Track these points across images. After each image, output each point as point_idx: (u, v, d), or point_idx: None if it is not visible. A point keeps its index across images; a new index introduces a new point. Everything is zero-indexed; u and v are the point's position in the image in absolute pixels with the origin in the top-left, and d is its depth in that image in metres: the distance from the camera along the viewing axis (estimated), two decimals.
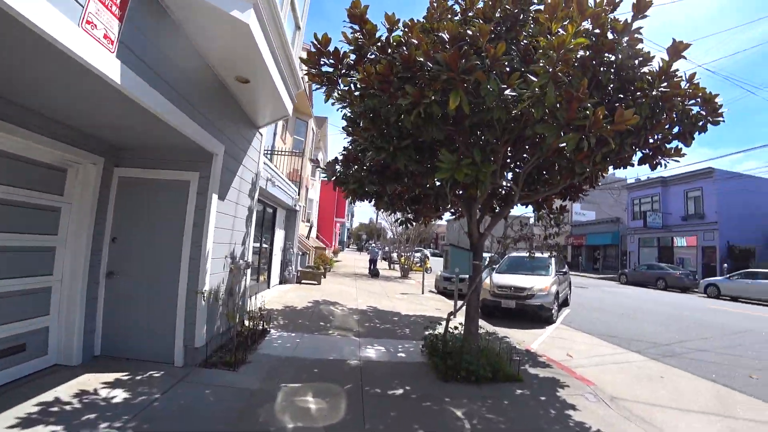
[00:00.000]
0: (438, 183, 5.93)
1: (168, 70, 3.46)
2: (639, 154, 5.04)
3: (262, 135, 6.80)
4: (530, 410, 4.18)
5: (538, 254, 8.33)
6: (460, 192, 5.95)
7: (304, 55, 4.76)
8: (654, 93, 4.09)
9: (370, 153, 5.21)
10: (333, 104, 5.32)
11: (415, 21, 4.41)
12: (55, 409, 3.28)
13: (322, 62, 4.71)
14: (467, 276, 5.92)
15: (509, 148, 5.33)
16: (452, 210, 7.72)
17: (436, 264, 27.18)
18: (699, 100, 4.42)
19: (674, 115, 4.40)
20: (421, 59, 3.70)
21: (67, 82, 2.84)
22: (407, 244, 23.89)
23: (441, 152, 3.98)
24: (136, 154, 4.78)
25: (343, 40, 4.65)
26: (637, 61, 4.15)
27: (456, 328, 5.76)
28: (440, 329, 5.93)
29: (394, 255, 26.42)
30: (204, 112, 4.36)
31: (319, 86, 4.97)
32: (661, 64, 4.06)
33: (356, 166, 5.88)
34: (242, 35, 3.55)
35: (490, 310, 9.85)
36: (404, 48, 4.17)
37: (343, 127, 6.01)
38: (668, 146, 4.85)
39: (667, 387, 5.39)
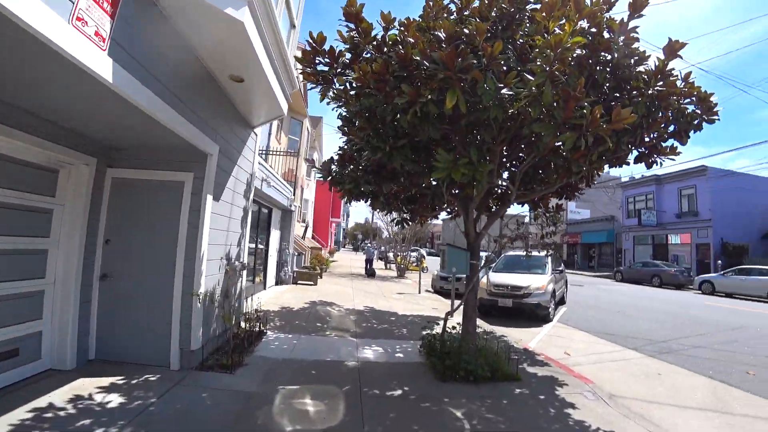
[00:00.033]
0: (434, 182, 5.91)
1: (161, 68, 3.41)
2: (635, 153, 5.04)
3: (257, 135, 6.75)
4: (529, 409, 4.17)
5: (534, 253, 8.35)
6: (457, 191, 5.93)
7: (299, 54, 4.72)
8: (650, 92, 4.09)
9: (366, 153, 5.19)
10: (328, 104, 5.28)
11: (411, 20, 4.38)
12: (49, 415, 3.23)
13: (317, 61, 4.67)
14: (464, 275, 5.90)
15: (505, 148, 5.32)
16: (448, 209, 7.71)
17: (433, 263, 27.19)
18: (694, 98, 4.42)
19: (670, 114, 4.40)
20: (418, 58, 3.68)
21: (57, 80, 2.79)
22: (403, 243, 23.87)
23: (438, 152, 3.96)
24: (129, 154, 4.72)
25: (339, 38, 4.62)
26: (633, 60, 4.15)
27: (454, 327, 5.75)
28: (438, 329, 5.92)
29: (390, 255, 26.39)
30: (198, 111, 4.31)
31: (314, 85, 4.94)
32: (657, 63, 4.07)
33: (352, 166, 5.85)
34: (236, 33, 3.51)
35: (487, 309, 9.85)
36: (400, 47, 4.14)
37: (338, 127, 5.96)
38: (664, 145, 4.85)
39: (664, 384, 5.41)
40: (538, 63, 3.39)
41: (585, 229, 36.79)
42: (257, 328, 6.15)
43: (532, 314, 9.51)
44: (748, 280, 17.08)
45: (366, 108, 4.42)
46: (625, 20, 3.92)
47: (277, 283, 12.88)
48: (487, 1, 4.37)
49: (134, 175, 4.70)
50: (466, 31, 3.68)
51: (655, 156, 4.97)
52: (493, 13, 4.39)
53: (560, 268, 12.60)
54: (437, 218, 9.71)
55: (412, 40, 3.85)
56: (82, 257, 4.31)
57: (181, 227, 4.61)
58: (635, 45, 4.08)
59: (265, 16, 4.05)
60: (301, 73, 4.97)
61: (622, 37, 3.99)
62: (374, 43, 4.51)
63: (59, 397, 3.55)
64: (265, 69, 4.34)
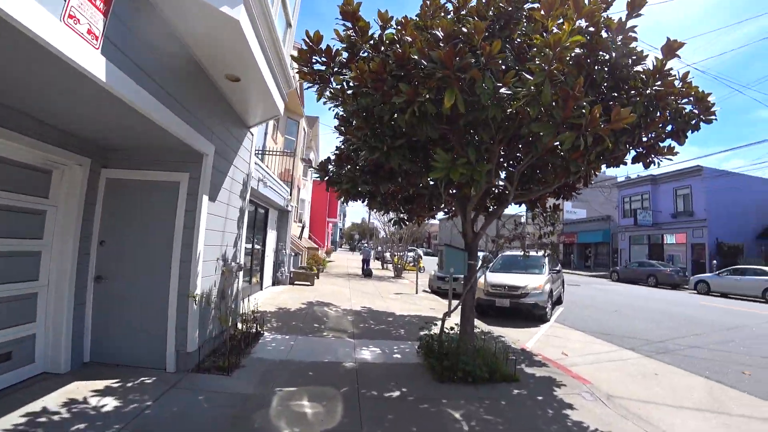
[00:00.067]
0: (432, 182, 5.89)
1: (155, 67, 3.36)
2: (632, 153, 5.05)
3: (253, 135, 6.71)
4: (528, 410, 4.15)
5: (532, 253, 8.34)
6: (454, 191, 5.91)
7: (296, 53, 4.69)
8: (648, 92, 4.09)
9: (363, 152, 5.16)
10: (324, 103, 5.25)
11: (408, 19, 4.35)
12: (43, 419, 3.18)
13: (313, 60, 4.64)
14: (461, 275, 5.88)
15: (503, 148, 5.31)
16: (445, 209, 7.69)
17: (429, 263, 27.18)
18: (692, 98, 4.44)
19: (668, 114, 4.40)
20: (416, 57, 3.65)
21: (49, 79, 2.74)
22: (400, 243, 23.86)
23: (436, 152, 3.94)
24: (123, 154, 4.66)
25: (335, 37, 4.58)
26: (630, 60, 4.14)
27: (452, 328, 5.73)
28: (435, 329, 5.90)
29: (387, 255, 26.37)
30: (193, 110, 4.26)
31: (310, 85, 4.91)
32: (655, 63, 4.06)
33: (349, 166, 5.82)
34: (232, 32, 3.47)
35: (484, 309, 9.85)
36: (398, 46, 4.12)
37: (335, 127, 5.94)
38: (662, 145, 4.86)
39: (661, 384, 5.41)
40: (537, 62, 3.37)
41: (581, 229, 36.92)
42: (254, 330, 6.12)
43: (530, 314, 9.51)
44: (743, 280, 17.18)
45: (363, 107, 4.39)
46: (623, 20, 3.91)
47: (273, 284, 12.83)
48: (484, 1, 4.35)
49: (129, 175, 4.65)
50: (465, 30, 3.66)
51: (653, 156, 4.98)
52: (491, 13, 4.37)
53: (557, 268, 12.62)
54: (434, 218, 9.69)
55: (409, 39, 3.83)
56: (76, 259, 4.26)
57: (177, 228, 4.56)
58: (633, 44, 4.07)
59: (261, 14, 4.01)
60: (297, 72, 4.93)
61: (620, 37, 3.98)
62: (371, 42, 4.48)
63: (53, 401, 3.50)
64: (262, 68, 4.30)
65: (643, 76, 4.14)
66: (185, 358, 4.50)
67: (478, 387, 4.65)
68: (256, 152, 8.57)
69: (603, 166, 5.32)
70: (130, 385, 3.99)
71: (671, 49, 3.90)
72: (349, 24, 4.43)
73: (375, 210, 8.05)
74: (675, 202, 27.77)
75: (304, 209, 23.54)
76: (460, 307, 5.57)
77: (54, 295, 4.14)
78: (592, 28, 3.85)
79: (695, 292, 19.18)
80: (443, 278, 13.67)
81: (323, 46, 4.54)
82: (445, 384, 4.71)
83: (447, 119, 4.29)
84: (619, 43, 4.00)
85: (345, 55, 4.67)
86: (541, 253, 10.88)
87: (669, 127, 4.66)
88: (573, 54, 3.68)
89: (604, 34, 3.99)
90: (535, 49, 3.59)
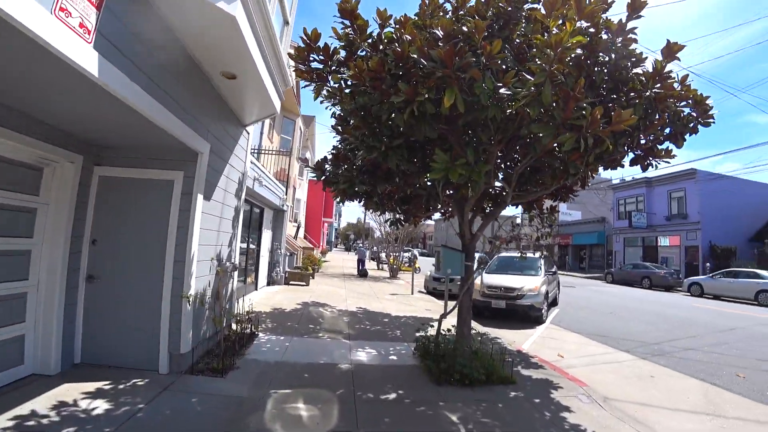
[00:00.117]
0: (429, 183, 5.86)
1: (150, 63, 3.30)
2: (630, 155, 5.04)
3: (249, 133, 6.64)
4: (525, 413, 4.13)
5: (529, 254, 8.34)
6: (452, 192, 5.88)
7: (293, 52, 4.63)
8: (648, 94, 4.08)
9: (360, 152, 5.11)
10: (322, 102, 5.20)
11: (408, 17, 4.31)
12: (32, 423, 3.09)
13: (311, 58, 4.60)
14: (458, 276, 5.85)
15: (501, 149, 5.28)
16: (442, 210, 7.67)
17: (425, 264, 27.19)
18: (690, 101, 4.43)
19: (666, 117, 4.40)
20: (415, 56, 3.62)
21: (40, 74, 2.67)
22: (396, 243, 23.82)
23: (435, 152, 3.90)
24: (117, 152, 4.58)
25: (333, 36, 4.54)
26: (629, 62, 4.13)
27: (449, 330, 5.70)
28: (431, 331, 5.87)
29: (383, 255, 26.32)
30: (188, 108, 4.19)
31: (308, 83, 4.86)
32: (654, 65, 4.05)
33: (346, 166, 5.77)
34: (228, 28, 3.40)
35: (480, 310, 9.82)
36: (396, 44, 4.08)
37: (332, 126, 5.89)
38: (659, 147, 4.86)
39: (657, 386, 5.41)
40: (538, 62, 3.34)
41: (576, 231, 37.07)
42: (249, 330, 6.05)
43: (526, 316, 9.50)
44: (736, 282, 17.30)
45: (361, 106, 4.35)
46: (624, 21, 3.89)
47: (268, 284, 12.74)
48: (483, 1, 4.32)
49: (122, 173, 4.57)
50: (465, 29, 3.63)
51: (651, 158, 4.98)
52: (490, 13, 4.34)
53: (553, 270, 12.65)
54: (430, 219, 9.67)
55: (409, 38, 3.79)
56: (67, 258, 4.17)
57: (171, 227, 4.49)
58: (633, 46, 4.06)
59: (258, 11, 3.95)
60: (294, 71, 4.88)
61: (620, 38, 3.96)
62: (370, 40, 4.44)
63: (42, 403, 3.42)
64: (258, 66, 4.24)
65: (643, 78, 4.14)
66: (179, 359, 4.43)
67: (475, 389, 4.62)
68: (252, 151, 8.50)
69: (600, 168, 5.32)
70: (121, 387, 3.91)
71: (671, 51, 3.89)
72: (347, 22, 4.39)
73: (371, 210, 8.00)
74: (669, 204, 27.95)
75: (299, 209, 23.46)
76: (456, 308, 5.54)
77: (44, 295, 4.05)
78: (592, 29, 3.83)
79: (689, 294, 19.30)
80: (439, 279, 13.66)
81: (321, 44, 4.49)
82: (442, 386, 4.67)
83: (445, 119, 4.26)
84: (619, 44, 4.00)
85: (343, 53, 4.63)
86: (537, 255, 10.93)
87: (667, 130, 4.66)
88: (573, 55, 3.66)
89: (603, 36, 3.97)
90: (534, 50, 3.56)
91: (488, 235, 8.68)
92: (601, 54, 3.99)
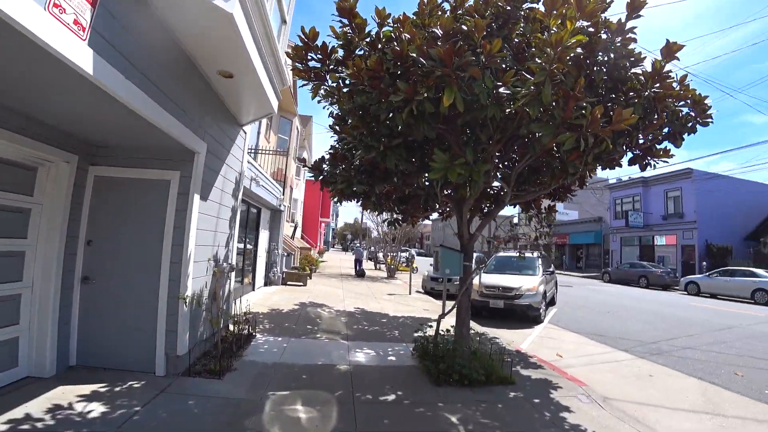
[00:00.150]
0: (427, 183, 5.84)
1: (146, 61, 3.25)
2: (629, 155, 5.03)
3: (246, 133, 6.59)
4: (525, 413, 4.11)
5: (527, 254, 8.33)
6: (450, 192, 5.86)
7: (290, 51, 4.59)
8: (647, 93, 4.07)
9: (358, 152, 5.08)
10: (319, 101, 5.17)
11: (407, 16, 4.29)
12: (26, 426, 3.05)
13: (309, 57, 4.56)
14: (456, 276, 5.83)
15: (500, 148, 5.26)
16: (440, 210, 7.64)
17: (422, 264, 27.17)
18: (689, 101, 4.42)
19: (665, 116, 4.39)
20: (414, 54, 3.58)
21: (33, 72, 2.63)
22: (393, 243, 23.79)
23: (434, 151, 3.87)
24: (112, 152, 4.53)
25: (331, 34, 4.51)
26: (628, 62, 4.12)
27: (448, 330, 5.68)
28: (430, 331, 5.84)
29: (380, 255, 26.29)
30: (185, 107, 4.15)
31: (305, 82, 4.82)
32: (654, 65, 4.04)
33: (344, 165, 5.73)
34: (225, 26, 3.37)
35: (478, 310, 9.80)
36: (395, 43, 4.05)
37: (330, 125, 5.85)
38: (658, 147, 4.84)
39: (656, 386, 5.41)
40: (538, 61, 3.32)
41: (573, 230, 37.16)
42: (246, 331, 6.02)
43: (524, 315, 9.50)
44: (732, 281, 17.38)
45: (359, 105, 4.32)
46: (623, 20, 3.88)
47: (266, 284, 12.69)
48: (482, 0, 4.30)
49: (118, 173, 4.52)
50: (464, 27, 3.61)
51: (649, 158, 4.96)
52: (489, 12, 4.31)
53: (551, 269, 12.65)
54: (428, 219, 9.65)
55: (408, 36, 3.75)
56: (62, 259, 4.12)
57: (167, 228, 4.44)
58: (632, 46, 4.04)
59: (255, 9, 3.92)
60: (292, 69, 4.84)
61: (619, 38, 3.95)
62: (368, 39, 4.41)
63: (37, 406, 3.37)
64: (256, 64, 4.21)
65: (642, 78, 4.12)
66: (175, 361, 4.38)
67: (474, 390, 4.60)
68: (249, 151, 8.46)
69: (598, 168, 5.31)
70: (117, 389, 3.86)
71: (670, 51, 3.88)
72: (345, 21, 4.36)
73: (369, 210, 7.96)
74: (666, 204, 28.06)
75: (296, 209, 23.40)
76: (454, 309, 5.52)
77: (38, 296, 4.00)
78: (591, 29, 3.82)
79: (685, 293, 19.37)
80: (437, 279, 13.64)
81: (319, 42, 4.45)
82: (441, 387, 4.65)
83: (444, 119, 4.23)
84: (618, 44, 3.98)
85: (341, 52, 4.59)
86: (536, 254, 10.92)
87: (666, 130, 4.65)
88: (573, 54, 3.64)
89: (603, 35, 3.96)
90: (534, 49, 3.54)
91: (486, 234, 8.65)
92: (600, 53, 3.97)
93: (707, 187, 25.51)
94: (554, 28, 3.64)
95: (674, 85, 4.21)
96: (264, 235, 12.55)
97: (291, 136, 17.16)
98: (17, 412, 3.23)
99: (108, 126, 3.86)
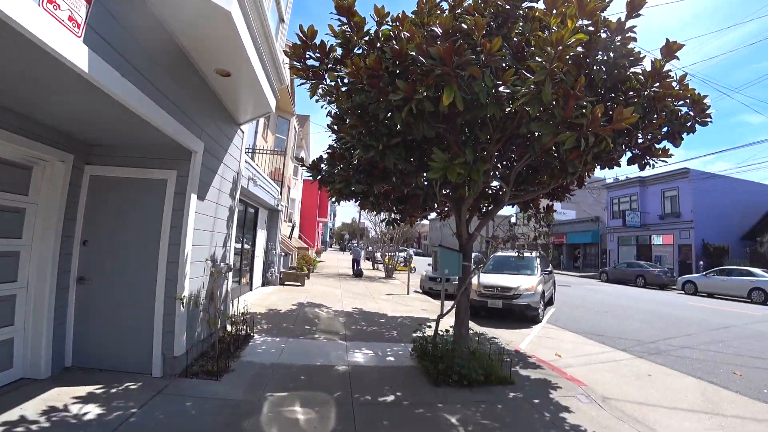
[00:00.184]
0: (426, 183, 5.81)
1: (142, 60, 3.21)
2: (628, 154, 5.02)
3: (243, 132, 6.55)
4: (525, 414, 4.09)
5: (525, 253, 8.32)
6: (449, 192, 5.84)
7: (288, 50, 4.56)
8: (647, 93, 4.06)
9: (357, 151, 5.05)
10: (317, 101, 5.14)
11: (406, 15, 4.26)
12: (21, 429, 3.00)
13: (307, 55, 4.53)
14: (454, 276, 5.80)
15: (499, 148, 5.25)
16: (439, 210, 7.62)
17: (420, 264, 27.14)
18: (688, 100, 4.41)
19: (664, 116, 4.38)
20: (414, 53, 3.56)
21: (27, 69, 2.59)
22: (391, 243, 23.77)
23: (434, 151, 3.85)
24: (108, 150, 4.48)
25: (330, 33, 4.48)
26: (627, 61, 4.10)
27: (447, 330, 5.65)
28: (429, 331, 5.82)
29: (378, 255, 26.27)
30: (182, 106, 4.11)
31: (303, 81, 4.79)
32: (653, 64, 4.03)
33: (342, 165, 5.70)
34: (223, 24, 3.33)
35: (476, 310, 9.78)
36: (394, 42, 4.02)
37: (328, 125, 5.83)
38: (657, 146, 4.84)
39: (655, 385, 5.40)
40: (538, 60, 3.30)
41: (570, 230, 37.24)
42: (244, 332, 5.98)
43: (522, 315, 9.50)
44: (729, 280, 17.44)
45: (358, 105, 4.29)
46: (623, 20, 3.86)
47: (263, 284, 12.64)
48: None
49: (114, 172, 4.48)
50: (464, 26, 3.58)
51: (648, 158, 4.96)
52: (488, 12, 4.30)
53: (549, 269, 12.66)
54: (426, 218, 9.63)
55: (407, 35, 3.73)
56: (57, 259, 4.07)
57: (164, 228, 4.40)
58: (631, 45, 4.03)
59: (253, 7, 3.88)
60: (290, 68, 4.81)
61: (618, 37, 3.93)
62: (367, 38, 4.38)
63: (32, 408, 3.33)
64: (253, 63, 4.17)
65: (642, 78, 4.11)
66: (172, 362, 4.34)
67: (473, 390, 4.58)
68: (247, 150, 8.42)
69: (596, 167, 5.30)
70: (114, 391, 3.82)
71: (670, 50, 3.87)
72: (344, 19, 4.33)
73: (367, 210, 7.94)
74: (663, 203, 28.14)
75: (294, 209, 23.34)
76: (453, 309, 5.50)
77: (33, 297, 3.95)
78: (591, 28, 3.80)
79: (683, 292, 19.43)
80: (435, 279, 13.63)
81: (317, 41, 4.42)
82: (441, 387, 4.63)
83: (444, 118, 4.21)
84: (618, 43, 3.96)
85: (339, 51, 4.57)
86: (534, 254, 10.92)
87: (665, 129, 4.64)
88: (572, 53, 3.62)
89: (602, 35, 3.94)
90: (533, 48, 3.52)
91: (485, 234, 8.64)
92: (600, 53, 3.96)
93: (704, 186, 25.60)
94: (554, 27, 3.62)
95: (674, 84, 4.21)
96: (261, 235, 12.51)
97: (288, 135, 17.10)
98: (12, 414, 3.18)
99: (104, 124, 3.82)
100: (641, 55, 4.13)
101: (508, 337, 7.64)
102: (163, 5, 3.19)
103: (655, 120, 4.17)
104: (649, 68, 4.12)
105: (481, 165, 3.90)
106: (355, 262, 20.18)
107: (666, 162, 5.03)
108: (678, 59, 3.94)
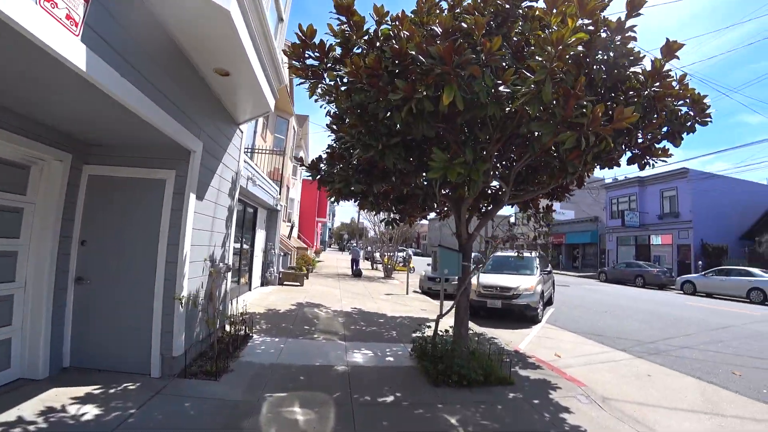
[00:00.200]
0: (425, 182, 5.80)
1: (141, 59, 3.20)
2: (628, 154, 5.01)
3: (242, 132, 6.54)
4: (525, 414, 4.08)
5: (525, 254, 8.31)
6: (449, 192, 5.83)
7: (287, 50, 4.55)
8: (647, 92, 4.05)
9: (356, 151, 5.04)
10: (316, 100, 5.13)
11: (406, 14, 4.25)
12: (18, 430, 2.99)
13: (306, 55, 4.51)
14: (453, 276, 5.79)
15: (499, 147, 5.24)
16: (438, 210, 7.61)
17: (419, 264, 27.13)
18: (688, 100, 4.41)
19: (664, 115, 4.37)
20: (413, 52, 3.55)
21: (25, 68, 2.57)
22: (390, 243, 23.75)
23: (434, 151, 3.83)
24: (107, 150, 4.46)
25: (329, 33, 4.46)
26: (627, 61, 4.10)
27: (447, 330, 5.64)
28: (428, 332, 5.81)
29: (377, 255, 26.25)
30: (181, 105, 4.09)
31: (303, 80, 4.77)
32: (654, 64, 4.02)
33: (341, 165, 5.69)
34: (222, 23, 3.32)
35: (476, 310, 9.77)
36: (394, 41, 4.01)
37: (327, 124, 5.81)
38: (657, 146, 4.83)
39: (655, 385, 5.40)
40: (539, 59, 3.29)
41: (569, 230, 37.25)
42: (243, 332, 5.96)
43: (521, 315, 9.49)
44: (728, 280, 17.46)
45: (357, 104, 4.28)
46: (623, 19, 3.85)
47: (262, 284, 12.62)
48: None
49: (112, 172, 4.46)
50: (464, 25, 3.57)
51: (648, 157, 4.95)
52: (486, 11, 4.28)
53: (548, 269, 12.66)
54: (425, 218, 9.63)
55: (407, 34, 3.71)
56: (55, 259, 4.05)
57: (163, 227, 4.39)
58: (631, 44, 4.02)
59: (252, 6, 3.87)
60: (289, 68, 4.79)
61: (618, 37, 3.93)
62: (366, 37, 4.36)
63: (30, 409, 3.31)
64: (252, 62, 4.15)
65: (642, 77, 4.11)
66: (171, 362, 4.33)
67: (473, 390, 4.57)
68: (246, 150, 8.40)
69: (596, 167, 5.29)
70: (112, 391, 3.81)
71: (671, 50, 3.86)
72: (343, 18, 4.31)
73: (366, 210, 7.92)
74: (661, 203, 28.16)
75: (293, 209, 23.31)
76: (453, 309, 5.49)
77: (31, 297, 3.93)
78: (591, 27, 3.79)
79: (681, 292, 19.45)
80: (434, 279, 13.62)
81: (316, 41, 4.41)
82: (440, 387, 4.62)
83: (444, 117, 4.19)
84: (618, 42, 3.96)
85: (339, 50, 4.55)
86: (534, 254, 10.92)
87: (665, 129, 4.64)
88: (572, 52, 3.61)
89: (602, 34, 3.94)
90: (533, 48, 3.51)
91: (484, 234, 8.64)
92: (600, 52, 3.95)
93: (703, 186, 25.63)
94: (555, 26, 3.61)
95: (674, 84, 4.20)
96: (260, 235, 12.49)
97: (287, 135, 17.08)
98: (9, 415, 3.17)
99: (102, 124, 3.80)
100: (641, 55, 4.13)
101: (508, 337, 7.63)
102: (162, 4, 3.18)
103: (655, 120, 4.16)
104: (648, 68, 4.12)
105: (481, 165, 3.89)
106: (354, 262, 20.16)
107: (666, 162, 5.03)
108: (678, 58, 3.93)
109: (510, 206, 7.27)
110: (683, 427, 4.20)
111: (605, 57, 4.02)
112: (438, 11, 4.48)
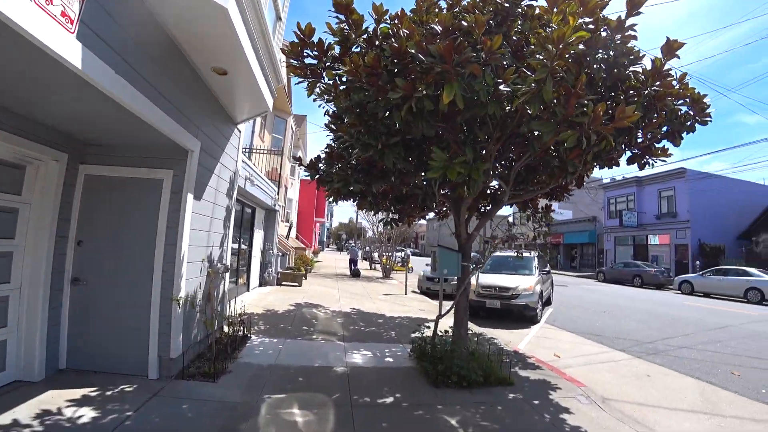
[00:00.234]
0: (425, 182, 5.77)
1: (137, 57, 3.16)
2: (627, 154, 5.00)
3: (240, 131, 6.50)
4: (525, 415, 4.06)
5: (524, 254, 8.30)
6: (448, 192, 5.80)
7: (285, 49, 4.52)
8: (647, 92, 4.03)
9: (355, 150, 5.01)
10: (315, 100, 5.09)
11: (405, 13, 4.22)
12: None
13: (305, 54, 4.47)
14: (453, 276, 5.77)
15: (498, 147, 5.22)
16: (437, 209, 7.59)
17: (417, 263, 27.11)
18: (688, 100, 4.39)
19: (664, 115, 4.36)
20: (413, 51, 3.52)
21: (19, 66, 2.53)
22: (389, 243, 23.73)
23: (433, 150, 3.81)
24: (103, 150, 4.42)
25: (328, 31, 4.43)
26: (627, 60, 4.08)
27: (446, 331, 5.62)
28: (427, 332, 5.79)
29: (375, 255, 26.22)
30: (178, 104, 4.05)
31: (301, 80, 4.74)
32: (654, 63, 4.00)
33: (340, 164, 5.66)
34: (220, 21, 3.28)
35: (475, 310, 9.74)
36: (393, 40, 3.98)
37: (326, 124, 5.77)
38: (657, 146, 4.82)
39: (655, 386, 5.39)
40: (539, 58, 3.26)
41: (567, 230, 37.31)
42: (241, 333, 5.93)
43: (520, 315, 9.48)
44: (726, 280, 17.50)
45: (356, 103, 4.25)
46: (623, 18, 3.84)
47: (260, 285, 12.58)
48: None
49: (109, 172, 4.41)
50: (464, 24, 3.55)
51: (648, 157, 4.94)
52: (486, 9, 4.26)
53: (547, 269, 12.66)
54: (424, 218, 9.60)
55: (406, 32, 3.69)
56: (51, 260, 4.01)
57: (160, 228, 4.35)
58: (631, 43, 4.01)
59: (250, 4, 3.83)
60: (287, 67, 4.76)
61: (618, 35, 3.91)
62: (365, 36, 4.33)
63: (25, 412, 3.27)
64: (250, 61, 4.12)
65: (642, 76, 4.09)
66: (168, 364, 4.29)
67: (473, 391, 4.55)
68: (244, 150, 8.35)
69: (595, 167, 5.27)
70: (109, 393, 3.77)
71: (671, 49, 3.84)
72: (342, 17, 4.28)
73: (365, 210, 7.89)
74: (659, 203, 28.23)
75: (291, 209, 23.26)
76: (452, 309, 5.46)
77: (27, 298, 3.89)
78: (592, 26, 3.77)
79: (679, 292, 19.48)
80: (433, 279, 13.60)
81: (315, 39, 4.38)
82: (440, 388, 4.59)
83: (443, 116, 4.17)
84: (618, 41, 3.94)
85: (338, 49, 4.52)
86: (533, 254, 10.91)
87: (664, 128, 4.62)
88: (573, 51, 3.59)
89: (603, 33, 3.92)
90: (533, 46, 3.49)
91: (483, 234, 8.64)
92: (600, 51, 3.93)
93: (700, 186, 25.70)
94: (555, 24, 3.59)
95: (674, 83, 4.19)
96: (259, 235, 12.44)
97: (286, 135, 17.04)
98: (5, 418, 3.12)
99: (98, 123, 3.76)
100: (641, 54, 4.11)
101: (507, 338, 7.62)
102: (160, 2, 3.14)
103: (655, 119, 4.15)
104: (647, 67, 4.10)
105: (481, 164, 3.87)
106: (353, 262, 20.13)
107: (665, 161, 5.02)
108: (678, 57, 3.91)
109: (509, 206, 7.25)
110: (683, 427, 4.19)
111: (605, 56, 4.00)
112: (437, 10, 4.46)
